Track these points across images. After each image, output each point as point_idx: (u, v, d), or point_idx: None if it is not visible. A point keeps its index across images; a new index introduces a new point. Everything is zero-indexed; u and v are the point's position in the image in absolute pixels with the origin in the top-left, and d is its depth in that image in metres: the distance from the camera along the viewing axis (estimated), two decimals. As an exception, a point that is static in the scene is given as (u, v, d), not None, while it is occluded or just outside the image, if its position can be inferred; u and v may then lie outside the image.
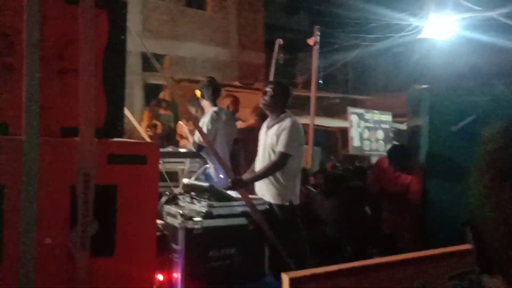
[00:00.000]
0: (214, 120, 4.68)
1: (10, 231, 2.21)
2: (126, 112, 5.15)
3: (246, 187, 3.86)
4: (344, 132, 13.53)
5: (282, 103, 4.17)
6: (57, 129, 2.42)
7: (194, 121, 4.14)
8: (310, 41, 11.84)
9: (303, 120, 13.71)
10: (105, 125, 2.49)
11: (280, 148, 3.94)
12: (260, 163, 4.11)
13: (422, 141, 5.00)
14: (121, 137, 2.55)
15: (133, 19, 14.24)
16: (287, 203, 3.96)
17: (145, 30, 14.54)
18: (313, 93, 11.40)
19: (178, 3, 15.13)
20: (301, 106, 14.98)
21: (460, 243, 1.89)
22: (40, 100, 2.31)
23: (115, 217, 2.42)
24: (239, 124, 5.75)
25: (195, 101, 5.11)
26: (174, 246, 3.47)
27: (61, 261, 2.33)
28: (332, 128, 14.46)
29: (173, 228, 3.48)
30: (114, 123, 2.52)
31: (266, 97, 4.15)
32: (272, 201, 3.97)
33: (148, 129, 10.20)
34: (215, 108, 4.82)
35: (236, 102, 5.87)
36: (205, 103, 4.86)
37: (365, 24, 14.66)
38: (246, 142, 5.12)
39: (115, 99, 2.54)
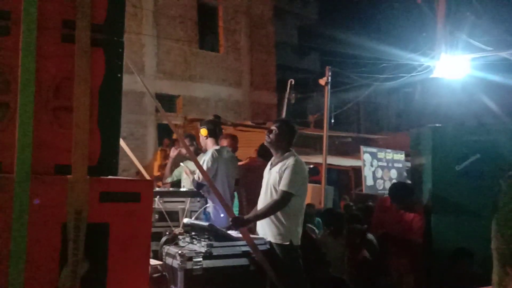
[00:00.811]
0: (215, 158, 4.67)
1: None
2: (125, 148, 5.22)
3: (247, 226, 3.80)
4: (357, 171, 13.45)
5: (286, 141, 4.15)
6: (51, 167, 2.40)
7: (193, 158, 4.12)
8: (322, 81, 11.94)
9: (315, 159, 13.79)
10: (99, 163, 2.47)
11: (282, 187, 3.90)
12: (262, 202, 4.06)
13: (425, 180, 4.96)
14: (115, 174, 2.52)
15: (148, 61, 14.52)
16: (287, 243, 3.89)
17: (159, 72, 14.79)
18: (325, 132, 11.42)
19: (192, 45, 15.40)
20: (313, 145, 14.98)
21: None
22: (34, 138, 2.31)
23: (107, 257, 2.37)
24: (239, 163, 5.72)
25: (189, 137, 5.09)
26: (173, 287, 3.40)
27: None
28: (344, 167, 14.37)
29: (172, 269, 3.42)
30: (108, 160, 2.50)
31: (271, 135, 4.13)
32: (273, 240, 3.90)
33: (160, 169, 10.22)
34: (216, 147, 4.82)
35: (234, 141, 5.88)
36: (208, 142, 4.85)
37: (377, 64, 14.73)
38: (247, 181, 5.08)
39: (109, 137, 2.52)
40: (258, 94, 16.81)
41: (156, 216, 3.95)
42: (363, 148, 12.94)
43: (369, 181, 12.36)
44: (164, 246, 3.67)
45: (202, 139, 4.86)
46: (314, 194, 10.89)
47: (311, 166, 14.22)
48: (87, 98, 2.41)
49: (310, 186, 11.25)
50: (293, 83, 15.43)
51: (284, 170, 3.95)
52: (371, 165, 12.88)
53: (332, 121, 13.69)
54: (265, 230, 3.96)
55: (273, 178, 4.01)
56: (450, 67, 12.73)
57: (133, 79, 14.62)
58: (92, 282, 2.34)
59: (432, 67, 13.23)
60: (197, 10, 15.46)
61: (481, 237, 4.79)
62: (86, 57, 2.41)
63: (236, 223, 3.68)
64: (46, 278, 2.27)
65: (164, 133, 14.08)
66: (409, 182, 10.72)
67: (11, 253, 2.15)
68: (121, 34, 2.58)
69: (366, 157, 12.71)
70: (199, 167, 3.89)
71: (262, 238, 3.86)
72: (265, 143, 4.22)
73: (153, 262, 3.60)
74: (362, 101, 17.14)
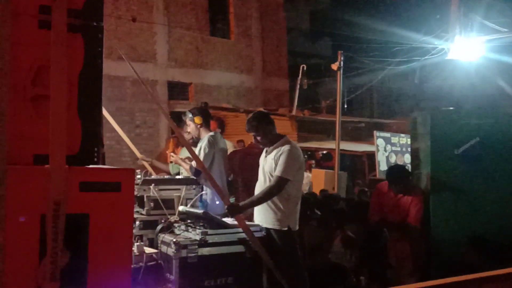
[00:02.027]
0: (211, 144, 4.63)
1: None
2: (119, 131, 5.19)
3: (242, 213, 3.76)
4: (371, 156, 13.31)
5: (269, 131, 4.13)
6: (30, 157, 2.36)
7: (186, 145, 4.06)
8: (334, 66, 11.77)
9: (328, 145, 13.68)
10: (79, 152, 2.42)
11: (277, 172, 3.86)
12: (259, 189, 4.02)
13: (424, 164, 4.89)
14: (97, 164, 2.47)
15: (159, 50, 14.49)
16: (285, 229, 3.85)
17: (170, 60, 14.76)
18: (338, 118, 11.29)
19: (203, 32, 15.32)
20: (326, 131, 14.86)
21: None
22: (12, 127, 2.27)
23: (87, 248, 2.33)
24: (235, 150, 5.68)
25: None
26: (168, 276, 3.36)
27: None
28: (358, 152, 14.25)
29: (167, 257, 3.38)
30: (89, 149, 2.45)
31: (259, 139, 4.14)
32: (270, 227, 3.86)
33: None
34: (211, 133, 4.78)
35: (222, 124, 5.83)
36: (202, 129, 4.82)
37: (390, 48, 14.49)
38: (245, 167, 5.03)
39: (90, 125, 2.47)
40: (270, 81, 16.69)
41: (152, 204, 3.91)
42: (376, 133, 12.80)
43: (383, 166, 12.22)
44: (159, 234, 3.64)
45: (194, 127, 4.81)
46: (327, 180, 10.79)
47: (324, 152, 14.13)
48: (64, 86, 2.35)
49: (323, 172, 11.18)
50: (305, 68, 15.33)
51: (279, 156, 3.91)
52: (385, 150, 12.74)
53: (345, 106, 13.57)
54: (262, 216, 3.93)
55: (269, 164, 3.98)
56: (465, 50, 12.48)
57: (145, 68, 14.61)
58: (73, 273, 2.30)
59: (446, 50, 12.98)
60: (207, -3, 15.37)
61: (480, 222, 4.77)
62: (63, 43, 2.36)
63: (232, 210, 3.65)
64: (26, 270, 2.24)
65: (177, 121, 14.08)
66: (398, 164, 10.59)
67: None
68: (101, 19, 2.53)
69: (380, 142, 12.58)
70: (193, 154, 3.85)
71: (258, 225, 3.82)
72: (262, 147, 4.19)
73: (148, 250, 3.58)
74: (375, 85, 16.93)
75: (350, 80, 14.76)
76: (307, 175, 10.95)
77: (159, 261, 3.43)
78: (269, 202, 3.87)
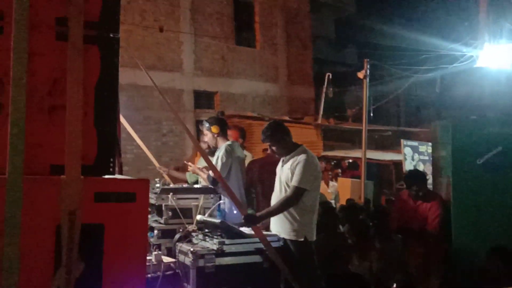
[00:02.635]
0: (229, 153, 4.63)
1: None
2: (138, 140, 5.22)
3: (259, 223, 3.74)
4: (398, 165, 13.13)
5: (287, 141, 4.11)
6: (47, 167, 2.38)
7: (203, 154, 4.08)
8: (360, 74, 11.69)
9: (353, 153, 13.55)
10: (95, 162, 2.44)
11: (294, 182, 3.83)
12: (275, 199, 4.00)
13: (445, 174, 4.82)
14: (112, 174, 2.48)
15: (186, 59, 14.63)
16: (302, 240, 3.81)
17: (197, 69, 14.88)
18: (364, 126, 11.19)
19: (228, 41, 15.41)
20: (352, 140, 14.74)
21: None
22: (29, 138, 2.29)
23: (102, 258, 2.33)
24: (257, 159, 5.66)
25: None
26: (186, 285, 3.36)
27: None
28: (384, 161, 14.08)
29: (185, 267, 3.38)
30: (105, 160, 2.46)
31: (275, 150, 4.13)
32: (287, 237, 3.83)
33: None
34: (228, 142, 4.78)
35: (243, 133, 5.82)
36: (219, 138, 4.82)
37: (417, 56, 14.32)
38: (263, 177, 5.00)
39: (106, 136, 2.49)
40: (295, 89, 16.67)
41: (170, 213, 3.92)
42: (403, 142, 12.63)
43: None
44: (177, 243, 3.65)
45: (211, 136, 4.83)
46: (354, 189, 10.69)
47: (350, 160, 14.00)
48: (80, 97, 2.37)
49: (349, 181, 11.08)
50: (330, 77, 15.26)
51: (296, 165, 3.88)
52: (412, 159, 12.56)
53: (371, 114, 13.42)
54: (279, 226, 3.91)
55: (285, 174, 3.96)
56: (494, 57, 12.27)
57: (171, 77, 14.76)
58: (87, 283, 2.31)
59: (475, 57, 12.77)
60: (233, 6, 15.45)
61: (502, 231, 4.66)
62: (80, 54, 2.38)
63: (249, 220, 3.63)
64: (40, 280, 2.25)
65: (202, 130, 14.13)
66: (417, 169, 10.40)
67: (4, 255, 2.14)
68: (117, 30, 2.54)
69: (407, 150, 12.41)
70: (210, 163, 3.85)
71: (275, 235, 3.79)
72: (279, 157, 4.18)
73: (166, 259, 3.58)
74: (402, 93, 16.74)
75: (377, 88, 14.61)
76: (333, 184, 10.87)
77: (177, 271, 3.43)
78: (285, 212, 3.85)
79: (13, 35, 2.26)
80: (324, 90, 15.18)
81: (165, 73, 13.96)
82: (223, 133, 4.83)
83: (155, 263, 3.36)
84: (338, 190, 10.69)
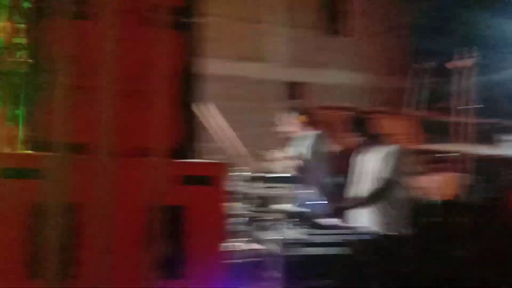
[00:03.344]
0: (316, 143, 4.56)
1: (85, 251, 2.25)
2: (227, 130, 5.23)
3: (348, 214, 3.64)
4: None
5: (372, 132, 4.05)
6: (136, 149, 2.44)
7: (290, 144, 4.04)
8: (463, 64, 11.09)
9: (457, 147, 12.86)
10: (180, 146, 2.47)
11: (387, 174, 3.67)
12: (357, 190, 3.85)
13: None
14: (194, 158, 2.52)
15: (280, 50, 14.62)
16: (395, 233, 3.65)
17: (290, 60, 14.82)
18: (467, 119, 10.61)
19: (323, 31, 15.21)
20: (452, 133, 14.01)
21: None
22: (119, 121, 2.36)
23: (183, 239, 2.37)
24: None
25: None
26: (273, 273, 3.33)
27: (134, 281, 2.33)
28: (492, 156, 13.25)
29: (273, 255, 3.36)
30: (188, 144, 2.50)
31: (361, 140, 4.07)
32: (378, 231, 3.68)
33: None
34: (317, 132, 4.71)
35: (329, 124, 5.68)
36: (308, 128, 4.77)
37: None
38: (347, 167, 4.86)
39: (190, 120, 2.52)
40: (392, 79, 16.12)
41: (259, 201, 3.91)
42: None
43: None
44: (265, 231, 3.63)
45: (299, 126, 4.78)
46: (459, 185, 10.17)
47: (455, 154, 13.31)
48: (165, 82, 2.42)
49: (454, 176, 10.57)
50: (428, 67, 14.59)
51: (388, 157, 3.72)
52: (520, 154, 11.74)
53: (473, 107, 12.66)
54: (370, 219, 3.76)
55: (374, 166, 3.80)
56: None
57: (264, 68, 14.80)
58: (172, 263, 2.35)
59: None
60: (327, -4, 15.22)
61: None
62: (165, 40, 2.42)
63: (337, 211, 3.54)
64: (130, 258, 2.32)
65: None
66: None
67: (98, 235, 2.23)
68: (199, 17, 2.56)
69: (511, 145, 11.61)
70: (295, 153, 3.81)
71: (365, 227, 3.66)
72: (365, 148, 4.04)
73: (255, 247, 3.57)
74: (508, 84, 15.66)
75: (483, 79, 13.79)
76: (435, 178, 10.42)
77: (265, 258, 3.41)
78: (376, 205, 3.71)
79: (103, 20, 2.33)
80: (421, 81, 14.57)
81: (258, 64, 14.03)
82: (311, 123, 4.78)
83: (243, 249, 3.37)
84: (442, 185, 10.24)
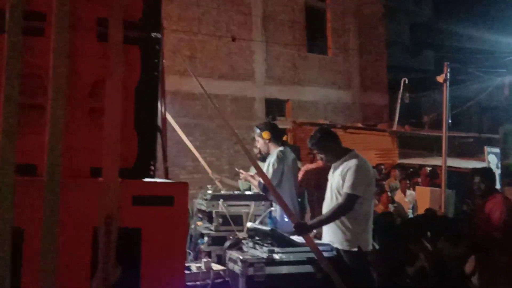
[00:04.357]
0: (280, 159, 4.51)
1: (29, 277, 2.15)
2: (190, 146, 5.18)
3: (311, 232, 3.58)
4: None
5: (334, 147, 3.94)
6: (87, 169, 2.36)
7: (252, 161, 3.98)
8: (440, 78, 11.15)
9: (432, 161, 12.96)
10: (135, 165, 2.39)
11: (346, 189, 3.64)
12: (327, 207, 3.81)
13: None
14: (152, 177, 2.43)
15: (257, 67, 14.67)
16: (355, 249, 3.60)
17: (268, 77, 14.89)
18: (445, 132, 10.68)
19: (300, 49, 15.31)
20: (429, 147, 14.14)
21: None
22: (70, 140, 2.28)
23: (140, 263, 2.27)
24: (309, 166, 5.50)
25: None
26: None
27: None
28: (466, 169, 13.35)
29: (234, 275, 3.28)
30: (144, 163, 2.41)
31: (322, 157, 4.01)
32: (339, 247, 3.64)
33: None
34: (280, 148, 4.66)
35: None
36: (271, 144, 4.72)
37: (500, 58, 13.55)
38: (319, 183, 4.82)
39: (146, 139, 2.44)
40: (369, 96, 16.27)
41: (220, 220, 3.85)
42: (487, 149, 11.92)
43: (496, 184, 11.34)
44: (227, 251, 3.56)
45: (263, 142, 4.73)
46: (434, 199, 10.19)
47: (430, 168, 13.40)
48: (119, 99, 2.34)
49: (428, 189, 10.58)
50: (406, 82, 14.75)
51: (347, 171, 3.69)
52: (497, 167, 11.80)
53: (449, 121, 12.80)
54: (331, 236, 3.71)
55: (336, 181, 3.77)
56: None
57: (243, 86, 14.82)
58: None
59: None
60: (304, 14, 15.34)
61: None
62: (120, 55, 2.34)
63: (300, 228, 3.47)
64: (77, 283, 2.22)
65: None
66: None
67: (41, 258, 2.12)
68: (158, 31, 2.49)
69: (491, 158, 11.71)
70: (259, 170, 3.74)
71: (328, 244, 3.60)
72: (329, 164, 4.04)
73: (216, 267, 3.50)
74: (483, 98, 15.90)
75: (456, 93, 13.95)
76: (410, 193, 10.44)
77: (226, 279, 3.34)
78: (337, 221, 3.66)
79: (53, 36, 2.26)
80: (400, 96, 14.71)
81: (237, 82, 14.06)
82: (274, 139, 4.72)
83: (204, 270, 3.29)
84: (417, 199, 10.25)
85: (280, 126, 16.10)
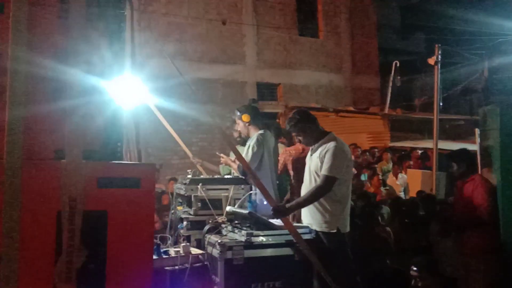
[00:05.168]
0: (260, 142, 4.44)
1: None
2: (170, 130, 5.12)
3: (289, 214, 3.54)
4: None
5: (313, 130, 3.90)
6: (52, 152, 2.31)
7: (229, 144, 3.93)
8: (431, 61, 11.09)
9: (423, 144, 12.95)
10: (101, 147, 2.34)
11: (324, 171, 3.59)
12: (306, 189, 3.77)
13: (494, 162, 4.40)
14: (119, 159, 2.38)
15: (248, 51, 14.52)
16: (334, 231, 3.57)
17: (259, 61, 14.74)
18: (436, 115, 10.61)
19: (291, 32, 15.16)
20: (420, 130, 14.10)
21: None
22: (34, 123, 2.23)
23: (106, 246, 2.23)
24: (290, 149, 5.43)
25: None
26: (214, 277, 3.22)
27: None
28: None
29: (213, 259, 3.24)
30: (111, 145, 2.37)
31: (301, 139, 4.00)
32: (318, 229, 3.61)
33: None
34: (261, 131, 4.58)
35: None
36: (251, 127, 4.64)
37: (491, 40, 13.47)
38: (301, 167, 4.77)
39: (113, 121, 2.39)
40: (360, 79, 16.18)
41: (199, 204, 3.80)
42: (477, 131, 11.84)
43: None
44: (206, 235, 3.52)
45: (242, 125, 4.66)
46: (425, 181, 10.18)
47: (421, 151, 13.39)
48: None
49: (419, 172, 10.57)
50: (397, 65, 14.67)
51: (325, 154, 3.64)
52: (488, 148, 11.76)
53: (440, 104, 12.75)
54: (310, 218, 3.68)
55: (314, 163, 3.73)
56: None
57: (234, 69, 14.67)
58: (90, 272, 2.22)
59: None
60: (295, -4, 15.18)
61: None
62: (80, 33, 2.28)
63: (278, 211, 3.43)
64: (41, 267, 2.18)
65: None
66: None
67: (3, 242, 2.07)
68: (119, 6, 2.44)
69: (482, 140, 11.62)
70: (237, 153, 3.69)
71: (306, 227, 3.57)
72: (307, 146, 3.99)
73: (195, 251, 3.47)
74: (474, 80, 15.82)
75: (446, 75, 13.89)
76: (402, 176, 10.43)
77: (205, 263, 3.30)
78: (316, 203, 3.62)
79: (11, 13, 2.19)
80: (391, 79, 14.63)
81: (228, 66, 13.93)
82: (254, 122, 4.64)
83: (183, 254, 3.25)
84: (408, 182, 10.22)
85: (272, 110, 15.92)
